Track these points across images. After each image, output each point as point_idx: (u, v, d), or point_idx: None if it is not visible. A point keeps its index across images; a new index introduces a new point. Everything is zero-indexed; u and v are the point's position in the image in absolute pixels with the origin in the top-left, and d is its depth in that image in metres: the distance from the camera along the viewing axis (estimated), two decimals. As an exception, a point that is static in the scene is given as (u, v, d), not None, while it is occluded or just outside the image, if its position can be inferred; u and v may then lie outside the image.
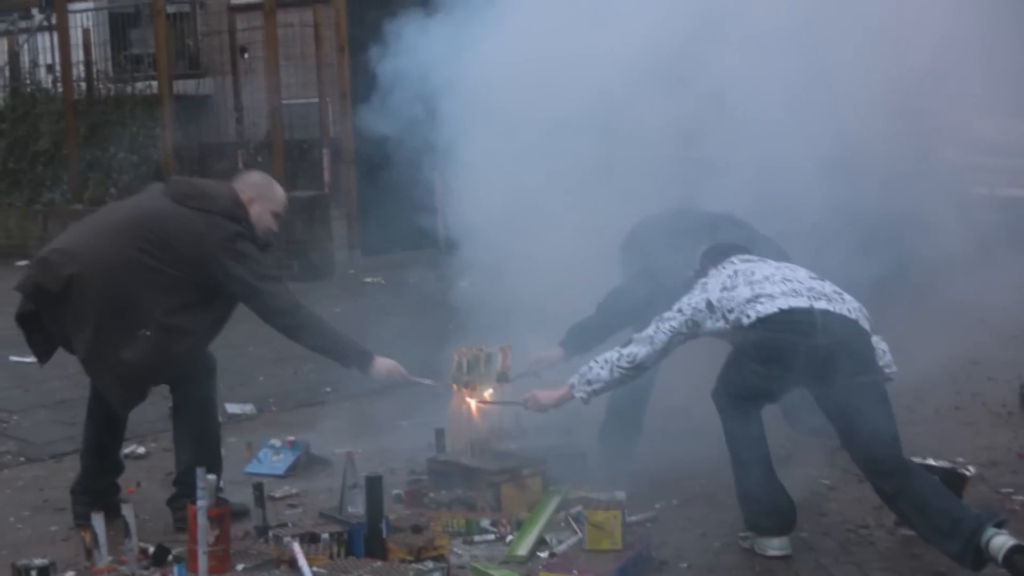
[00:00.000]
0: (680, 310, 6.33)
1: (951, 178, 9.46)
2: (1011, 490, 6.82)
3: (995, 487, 6.86)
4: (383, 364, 6.85)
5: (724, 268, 6.42)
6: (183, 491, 6.65)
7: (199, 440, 6.80)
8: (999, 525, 5.57)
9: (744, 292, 6.18)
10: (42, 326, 6.74)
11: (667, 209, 7.54)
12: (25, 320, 6.77)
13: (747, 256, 6.53)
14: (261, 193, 6.88)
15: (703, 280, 6.42)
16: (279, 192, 7.00)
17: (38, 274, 6.61)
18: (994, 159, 12.31)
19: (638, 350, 6.38)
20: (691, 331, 6.32)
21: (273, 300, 6.61)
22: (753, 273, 6.28)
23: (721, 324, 6.22)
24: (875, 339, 6.17)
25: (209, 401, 6.95)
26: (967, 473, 6.40)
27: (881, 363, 6.14)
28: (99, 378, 6.65)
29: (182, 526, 6.40)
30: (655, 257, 7.15)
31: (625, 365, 6.41)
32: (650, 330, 6.38)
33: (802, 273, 6.29)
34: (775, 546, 6.06)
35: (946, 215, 8.67)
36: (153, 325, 6.47)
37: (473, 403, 7.16)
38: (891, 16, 8.23)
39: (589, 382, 6.53)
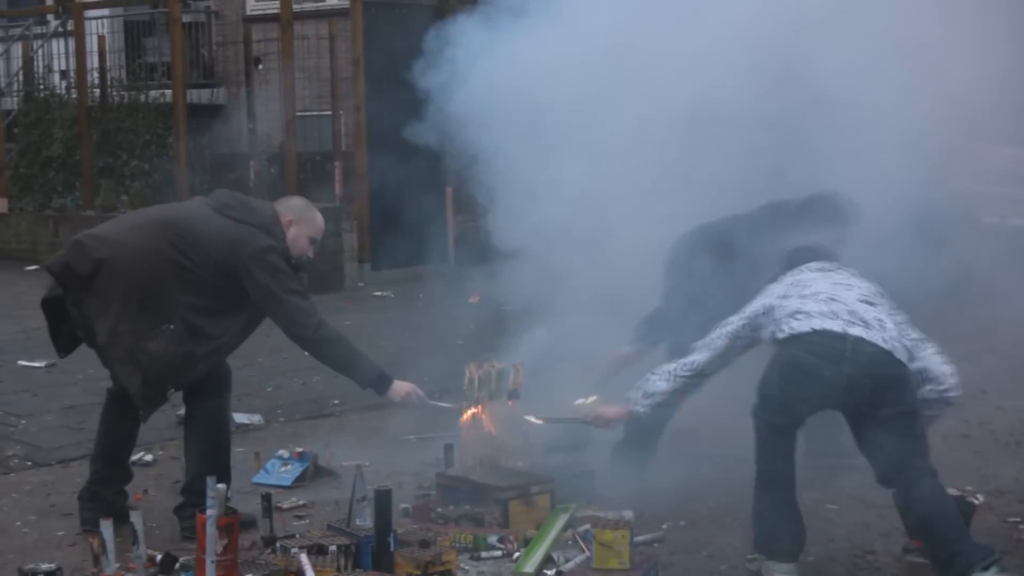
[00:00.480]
0: (743, 313, 6.33)
1: (963, 206, 9.47)
2: (1018, 519, 6.82)
3: (1003, 516, 6.85)
4: (401, 387, 6.94)
5: (791, 275, 6.38)
6: (191, 500, 6.67)
7: (209, 451, 6.83)
8: (989, 567, 5.56)
9: (792, 304, 6.15)
10: (66, 316, 6.78)
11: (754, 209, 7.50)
12: (50, 307, 6.81)
13: (823, 264, 6.46)
14: (300, 217, 6.95)
15: (772, 285, 6.40)
16: (318, 218, 7.07)
17: (69, 255, 6.70)
18: (1006, 188, 12.33)
19: (699, 357, 6.39)
20: (750, 337, 6.31)
21: (299, 314, 6.69)
22: (807, 286, 6.23)
23: (772, 332, 6.18)
24: (937, 360, 6.14)
25: (221, 412, 6.98)
26: (975, 502, 6.41)
27: (942, 387, 6.11)
28: (119, 367, 6.65)
29: (189, 535, 6.42)
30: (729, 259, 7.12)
31: (685, 373, 6.41)
32: (712, 335, 6.39)
33: (853, 294, 6.17)
34: (783, 571, 6.04)
35: (957, 243, 8.67)
36: (178, 320, 6.54)
37: (536, 419, 7.17)
38: (908, 43, 8.22)
39: (648, 394, 6.52)
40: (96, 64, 19.47)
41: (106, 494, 6.97)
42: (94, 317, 6.63)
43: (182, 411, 8.88)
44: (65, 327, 6.86)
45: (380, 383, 6.91)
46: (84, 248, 6.66)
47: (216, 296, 6.65)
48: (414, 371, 10.43)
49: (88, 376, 9.96)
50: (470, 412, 7.26)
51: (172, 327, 6.54)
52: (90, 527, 6.68)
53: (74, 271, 6.63)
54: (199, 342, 6.61)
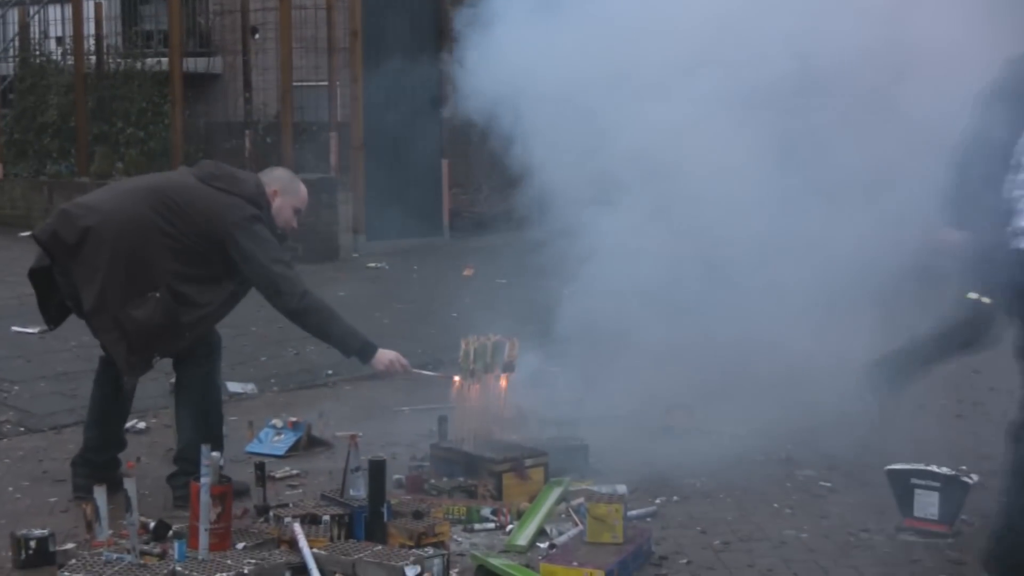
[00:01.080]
0: None
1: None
2: (1012, 500, 6.82)
3: (997, 496, 6.83)
4: (385, 355, 6.89)
5: None
6: (184, 468, 6.68)
7: (200, 419, 6.83)
8: None
9: None
10: (54, 287, 6.77)
11: None
12: (37, 278, 6.80)
13: None
14: (285, 187, 6.96)
15: None
16: (302, 190, 7.08)
17: (56, 223, 6.67)
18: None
19: None
20: None
21: (284, 283, 6.65)
22: None
23: None
24: None
25: (211, 380, 6.97)
26: (969, 481, 6.39)
27: None
28: (105, 334, 6.63)
29: (182, 504, 6.41)
30: None
31: None
32: None
33: None
34: None
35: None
36: (164, 288, 6.52)
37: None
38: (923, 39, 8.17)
39: None
40: (93, 31, 19.38)
41: (99, 461, 6.97)
42: (81, 285, 6.61)
43: (175, 379, 8.91)
44: (54, 297, 6.85)
45: (364, 351, 6.87)
46: (71, 216, 6.65)
47: (202, 264, 6.63)
48: (408, 342, 10.47)
49: (81, 343, 9.92)
50: (457, 380, 7.24)
51: (158, 295, 6.52)
52: (82, 494, 6.70)
53: (61, 240, 6.61)
54: (185, 310, 6.59)
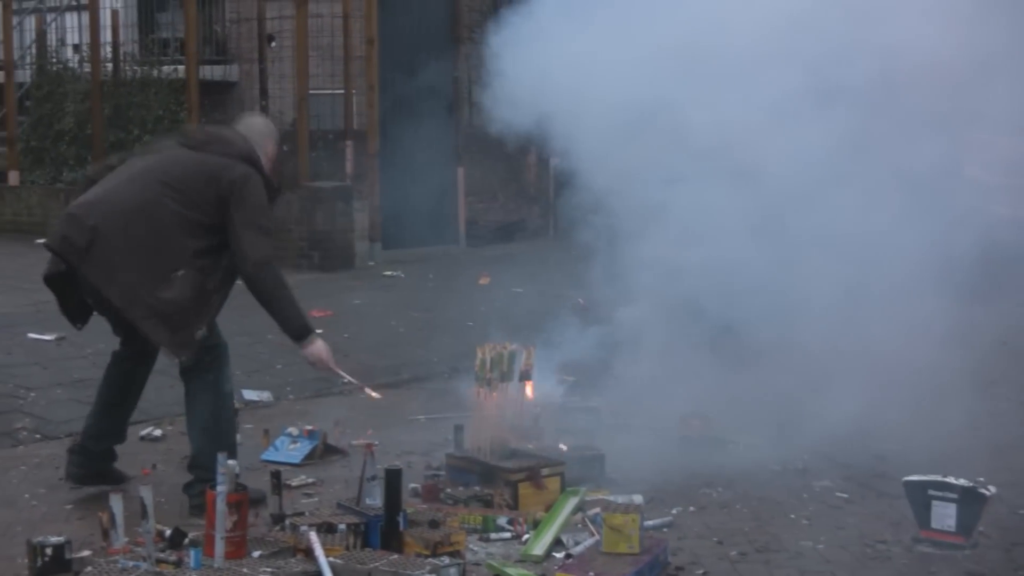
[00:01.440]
0: None
1: (973, 197, 9.42)
2: (1030, 511, 6.81)
3: (1014, 508, 6.83)
4: (318, 346, 6.92)
5: None
6: (199, 476, 6.68)
7: (211, 425, 6.84)
8: None
9: None
10: (72, 289, 6.83)
11: None
12: (53, 283, 6.86)
13: None
14: (267, 133, 7.18)
15: None
16: (271, 124, 7.37)
17: (65, 227, 6.72)
18: (1016, 179, 12.26)
19: None
20: None
21: (250, 248, 6.66)
22: None
23: None
24: None
25: (220, 386, 6.95)
26: (987, 493, 6.37)
27: None
28: (143, 324, 6.63)
29: (198, 513, 6.41)
30: None
31: None
32: None
33: None
34: None
35: (967, 234, 8.62)
36: (186, 265, 6.59)
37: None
38: (918, 34, 8.16)
39: None
40: (109, 38, 19.41)
41: (96, 450, 7.06)
42: (102, 284, 6.63)
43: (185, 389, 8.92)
44: (73, 299, 6.88)
45: (301, 334, 6.87)
46: (77, 219, 6.68)
47: (212, 233, 6.68)
48: (424, 351, 10.48)
49: (97, 350, 9.93)
50: (371, 392, 7.64)
51: (182, 272, 6.57)
52: (75, 482, 6.97)
53: (72, 243, 6.64)
54: (209, 276, 6.66)
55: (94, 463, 7.00)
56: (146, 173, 6.81)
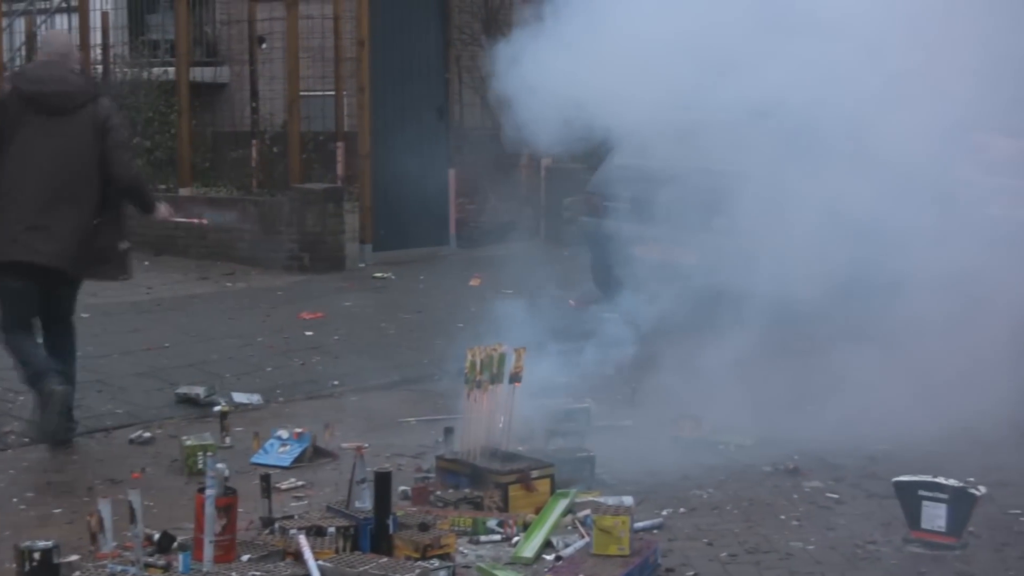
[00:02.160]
0: None
1: (967, 197, 9.42)
2: (1020, 511, 6.79)
3: (1004, 508, 6.82)
4: (162, 208, 8.39)
5: None
6: (66, 380, 8.03)
7: (73, 354, 8.33)
8: None
9: None
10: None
11: None
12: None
13: None
14: (68, 46, 8.38)
15: None
16: (68, 36, 9.41)
17: (21, 253, 7.91)
18: (1011, 180, 12.25)
19: None
20: None
21: (125, 167, 8.08)
22: None
23: None
24: None
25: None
26: (977, 493, 6.36)
27: None
28: (97, 274, 8.28)
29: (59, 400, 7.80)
30: None
31: None
32: None
33: None
34: None
35: (961, 234, 8.62)
36: (99, 210, 7.96)
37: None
38: (914, 35, 8.16)
39: None
40: (99, 40, 19.38)
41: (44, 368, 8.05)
42: (58, 275, 8.00)
43: (181, 389, 8.94)
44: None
45: (154, 208, 8.30)
46: (28, 248, 7.87)
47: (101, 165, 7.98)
48: (415, 352, 10.47)
49: (85, 353, 9.91)
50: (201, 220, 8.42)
51: (101, 218, 7.97)
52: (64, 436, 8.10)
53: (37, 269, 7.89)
54: (112, 202, 8.05)
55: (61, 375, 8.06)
56: (50, 157, 7.89)
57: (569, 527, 6.43)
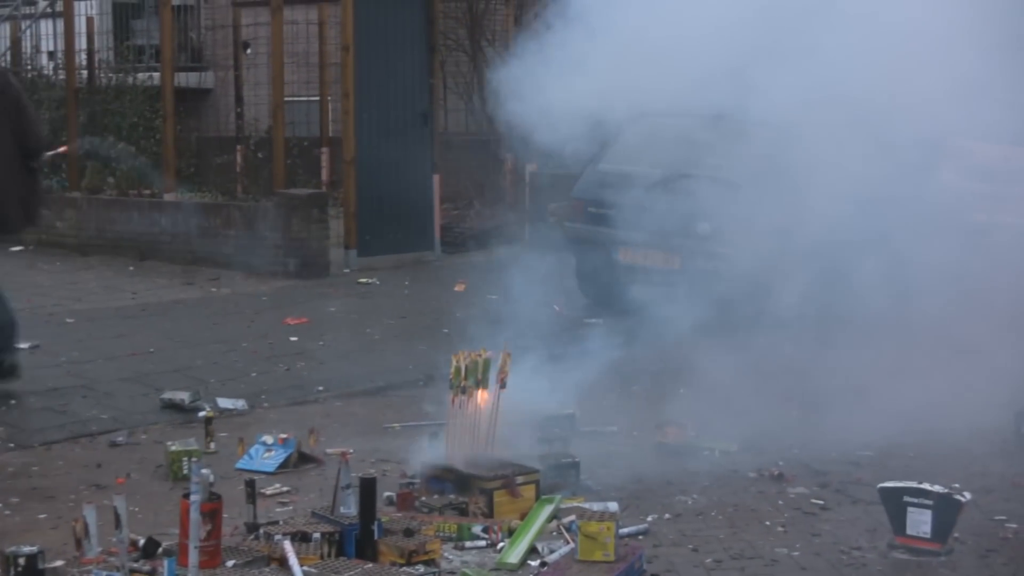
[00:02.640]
0: None
1: (950, 204, 9.45)
2: (1005, 518, 6.80)
3: (989, 514, 6.83)
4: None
5: None
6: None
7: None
8: None
9: None
10: None
11: None
12: None
13: None
14: None
15: None
16: None
17: None
18: (994, 186, 12.29)
19: None
20: None
21: (37, 138, 9.28)
22: None
23: None
24: None
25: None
26: (962, 499, 6.38)
27: None
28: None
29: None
30: None
31: None
32: None
33: None
34: None
35: (945, 241, 8.65)
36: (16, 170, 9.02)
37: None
38: (898, 42, 8.19)
39: None
40: (84, 45, 19.37)
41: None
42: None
43: (166, 395, 8.93)
44: None
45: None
46: None
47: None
48: (400, 358, 10.46)
49: (72, 358, 9.93)
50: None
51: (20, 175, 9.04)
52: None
53: None
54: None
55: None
56: None
57: (554, 533, 6.43)
